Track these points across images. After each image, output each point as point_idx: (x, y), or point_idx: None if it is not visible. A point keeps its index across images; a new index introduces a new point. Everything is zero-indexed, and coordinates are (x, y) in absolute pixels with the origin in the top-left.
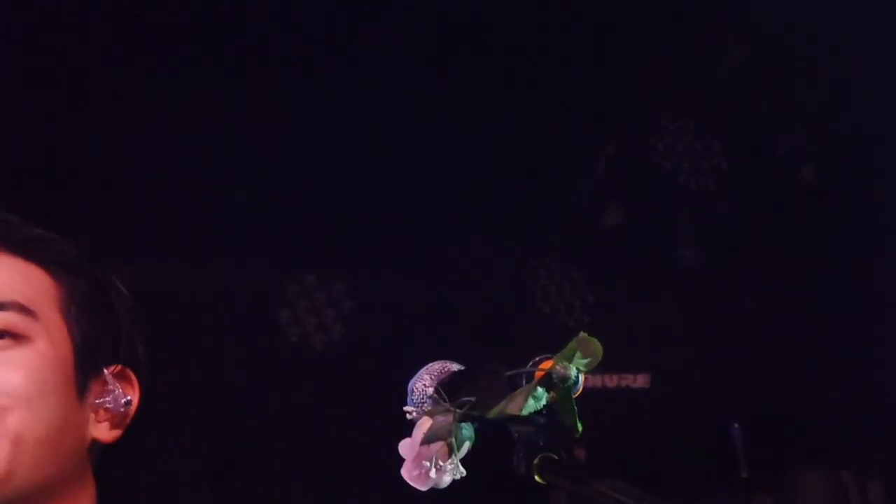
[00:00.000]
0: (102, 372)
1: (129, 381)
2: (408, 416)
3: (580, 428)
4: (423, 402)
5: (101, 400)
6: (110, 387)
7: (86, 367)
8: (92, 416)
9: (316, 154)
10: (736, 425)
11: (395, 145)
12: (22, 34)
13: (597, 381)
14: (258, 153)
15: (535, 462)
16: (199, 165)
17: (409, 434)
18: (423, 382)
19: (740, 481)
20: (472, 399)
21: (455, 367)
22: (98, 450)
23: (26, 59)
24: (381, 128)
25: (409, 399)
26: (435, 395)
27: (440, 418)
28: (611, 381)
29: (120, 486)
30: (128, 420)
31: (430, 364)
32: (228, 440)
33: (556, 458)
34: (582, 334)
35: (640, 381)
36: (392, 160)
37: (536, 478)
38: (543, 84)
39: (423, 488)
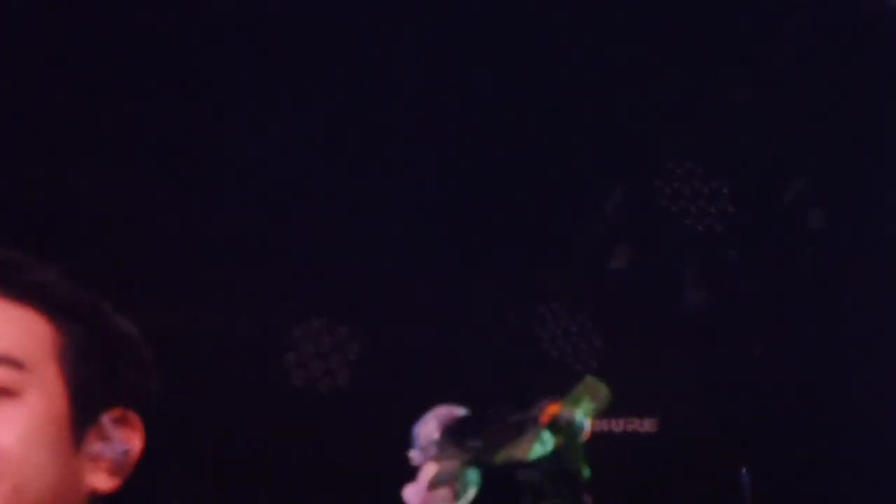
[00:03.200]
0: (100, 419)
1: (130, 426)
2: (413, 461)
3: (587, 473)
4: (429, 448)
5: (100, 448)
6: (109, 434)
7: (83, 415)
8: (90, 464)
9: (324, 199)
10: (744, 470)
11: (403, 193)
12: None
13: (603, 425)
14: (266, 198)
15: None
16: (205, 209)
17: (414, 479)
18: (429, 427)
19: None
20: (479, 444)
21: (461, 411)
22: (97, 500)
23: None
24: (389, 176)
25: (414, 444)
26: (441, 440)
27: (446, 463)
28: (618, 425)
29: None
30: (128, 468)
31: (436, 409)
32: (232, 483)
33: (563, 503)
34: (589, 378)
35: (648, 425)
36: (400, 208)
37: None
38: (551, 129)
39: None
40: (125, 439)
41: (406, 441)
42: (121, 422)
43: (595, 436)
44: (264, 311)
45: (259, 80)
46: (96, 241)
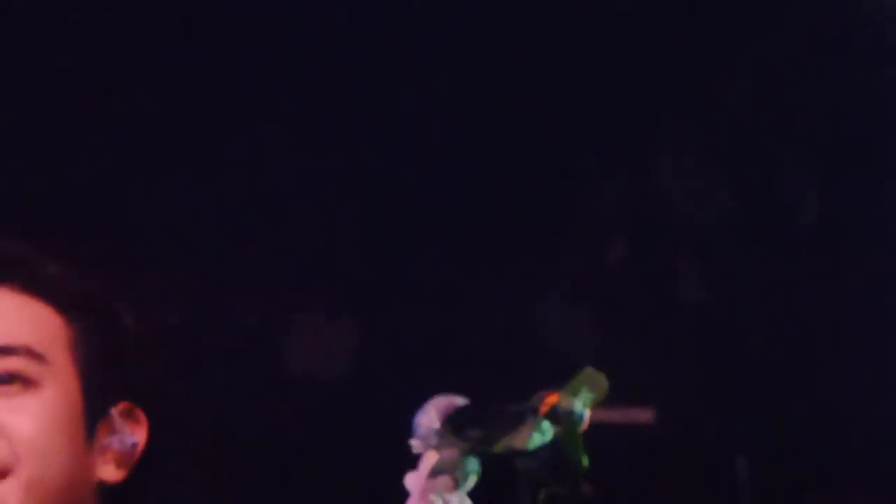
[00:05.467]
0: (110, 412)
1: (136, 420)
2: (414, 450)
3: (586, 462)
4: (430, 437)
5: (108, 441)
6: (117, 427)
7: (94, 409)
8: (99, 457)
9: (325, 185)
10: (741, 460)
11: (403, 181)
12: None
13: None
14: (267, 182)
15: (541, 496)
16: (203, 193)
17: (415, 468)
18: (429, 417)
19: None
20: (478, 433)
21: (461, 401)
22: (105, 490)
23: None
24: (389, 163)
25: (415, 433)
26: (441, 430)
27: (446, 452)
28: (616, 415)
29: None
30: (133, 460)
31: (436, 398)
32: (231, 472)
33: (562, 492)
34: (588, 369)
35: (645, 415)
36: (400, 196)
37: None
38: (547, 119)
39: None
40: (132, 433)
41: (407, 430)
42: (128, 416)
43: (593, 425)
44: (264, 298)
45: (259, 56)
46: (89, 227)
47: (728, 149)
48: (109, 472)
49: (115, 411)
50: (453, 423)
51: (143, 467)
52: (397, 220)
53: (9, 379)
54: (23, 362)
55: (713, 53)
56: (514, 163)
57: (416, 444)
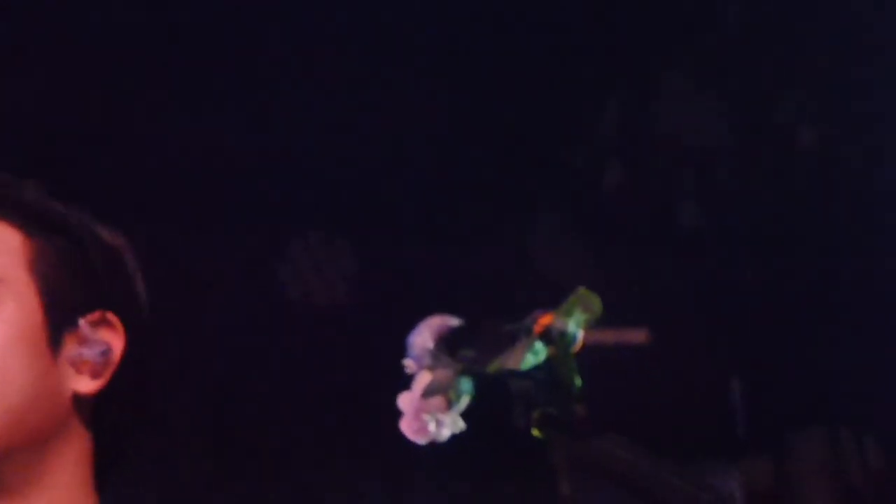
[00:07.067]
0: (78, 323)
1: (110, 327)
2: (407, 370)
3: (579, 383)
4: (423, 357)
5: (77, 352)
6: (87, 337)
7: (58, 322)
8: (71, 369)
9: (322, 113)
10: (735, 383)
11: (402, 112)
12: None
13: (595, 336)
14: (262, 111)
15: (534, 416)
16: (201, 120)
17: (408, 388)
18: (423, 337)
19: (737, 438)
20: (472, 353)
21: (454, 321)
22: (87, 402)
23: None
24: (387, 96)
25: (408, 353)
26: (434, 350)
27: (439, 372)
28: (609, 336)
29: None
30: (111, 368)
31: (430, 318)
32: (226, 399)
33: (555, 412)
34: (581, 290)
35: (639, 336)
36: (397, 126)
37: (535, 432)
38: (542, 45)
39: (423, 442)
40: (105, 340)
41: (400, 353)
42: (100, 324)
43: (586, 346)
44: (261, 223)
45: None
46: (87, 154)
47: (727, 72)
48: (83, 384)
49: (84, 321)
50: (447, 343)
51: (124, 375)
52: (393, 147)
53: None
54: None
55: None
56: (511, 84)
57: (409, 363)
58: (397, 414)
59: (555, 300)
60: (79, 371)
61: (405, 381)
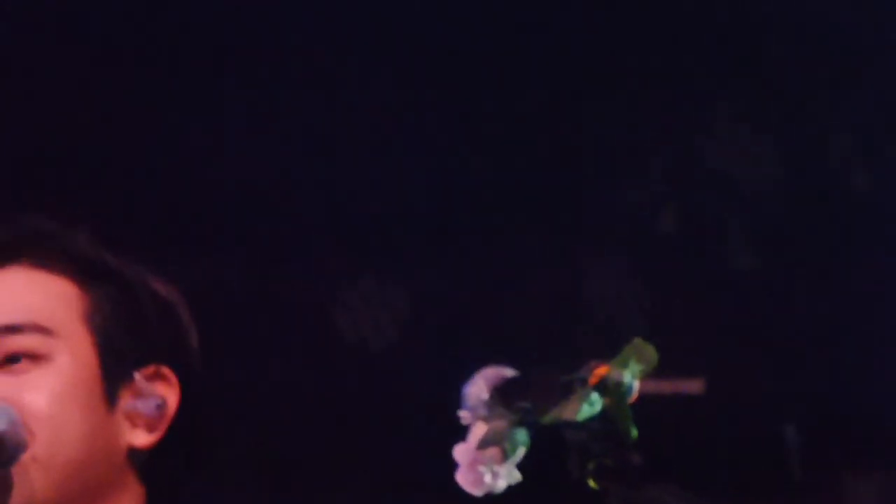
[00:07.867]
0: (133, 377)
1: (165, 381)
2: (462, 421)
3: (634, 433)
4: (478, 408)
5: (133, 406)
6: (143, 391)
7: (114, 374)
8: (126, 422)
9: (373, 157)
10: (790, 428)
11: (452, 152)
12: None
13: (650, 386)
14: (315, 154)
15: (590, 467)
16: (254, 164)
17: (463, 439)
18: (478, 388)
19: (794, 484)
20: (527, 404)
21: (509, 372)
22: (142, 455)
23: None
24: (423, 128)
25: (463, 404)
26: (489, 401)
27: (495, 423)
28: (665, 386)
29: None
30: (166, 421)
31: (485, 369)
32: (282, 443)
33: (611, 463)
34: (637, 340)
35: (695, 386)
36: (448, 167)
37: (591, 483)
38: (595, 89)
39: (479, 493)
40: (160, 394)
41: (455, 401)
42: (155, 377)
43: (642, 397)
44: (312, 268)
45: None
46: (142, 197)
47: (778, 114)
48: (139, 437)
49: (139, 375)
50: (502, 394)
51: (178, 428)
52: (446, 189)
53: (17, 357)
54: (31, 339)
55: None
56: (564, 129)
57: (464, 415)
58: (453, 465)
59: (611, 347)
60: (134, 424)
61: (461, 433)
